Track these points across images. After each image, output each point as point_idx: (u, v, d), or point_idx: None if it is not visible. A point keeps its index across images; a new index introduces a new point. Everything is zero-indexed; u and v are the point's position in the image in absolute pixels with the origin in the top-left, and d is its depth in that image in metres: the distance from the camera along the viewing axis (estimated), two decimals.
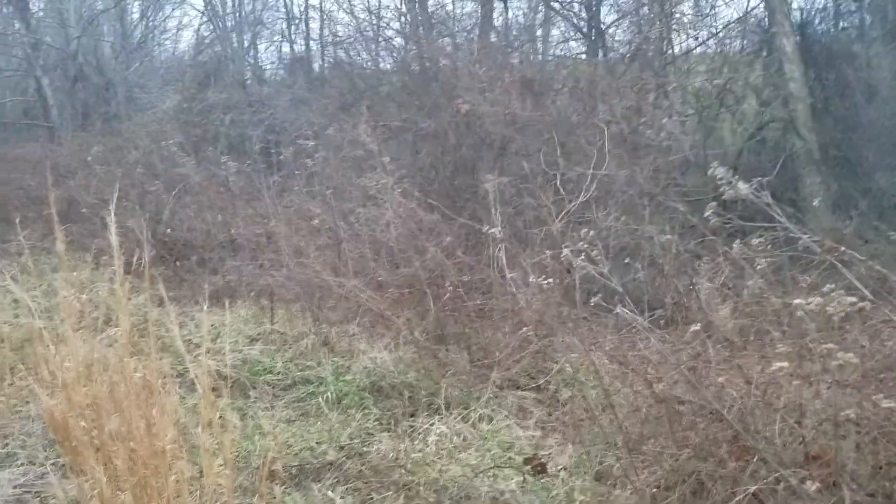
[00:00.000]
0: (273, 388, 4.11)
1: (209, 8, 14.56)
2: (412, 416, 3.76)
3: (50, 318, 3.33)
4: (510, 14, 11.42)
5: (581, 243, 4.93)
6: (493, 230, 4.54)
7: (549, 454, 3.33)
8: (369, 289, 4.41)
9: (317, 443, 3.41)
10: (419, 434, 3.53)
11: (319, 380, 4.11)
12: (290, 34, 14.34)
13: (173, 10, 17.67)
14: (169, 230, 6.52)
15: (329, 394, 3.90)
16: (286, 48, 14.70)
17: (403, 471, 3.12)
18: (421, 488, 2.95)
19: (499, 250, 4.65)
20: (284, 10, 14.50)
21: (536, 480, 3.08)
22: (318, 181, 6.02)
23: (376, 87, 8.04)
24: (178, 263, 6.23)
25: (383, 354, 4.14)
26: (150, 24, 17.89)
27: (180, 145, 7.47)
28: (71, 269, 3.37)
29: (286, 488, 2.87)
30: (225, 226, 6.28)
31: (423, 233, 4.49)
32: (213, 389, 2.20)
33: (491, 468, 3.12)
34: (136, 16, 17.74)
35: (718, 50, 9.99)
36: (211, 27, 14.94)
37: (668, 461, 2.70)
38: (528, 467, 3.16)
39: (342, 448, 3.38)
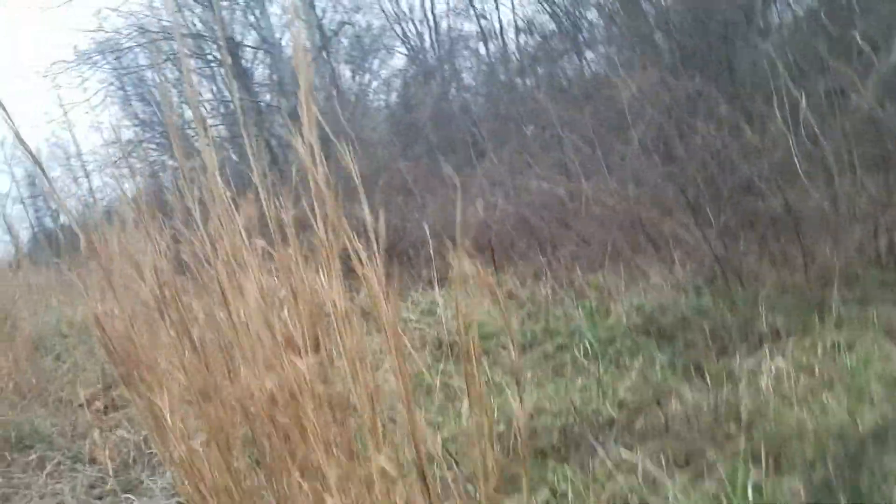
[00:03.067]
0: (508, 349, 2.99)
1: (412, 51, 14.04)
2: (721, 354, 2.43)
3: None
4: None
5: None
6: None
7: None
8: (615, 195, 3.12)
9: (582, 403, 2.22)
10: (741, 377, 2.19)
11: (571, 330, 2.93)
12: (486, 44, 13.41)
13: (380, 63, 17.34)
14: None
15: (586, 344, 2.70)
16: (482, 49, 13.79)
17: (732, 427, 1.82)
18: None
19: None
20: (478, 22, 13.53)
21: None
22: None
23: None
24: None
25: (657, 280, 2.83)
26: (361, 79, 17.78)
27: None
28: None
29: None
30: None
31: (680, 108, 3.10)
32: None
33: None
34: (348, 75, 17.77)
35: None
36: (415, 66, 14.36)
37: None
38: None
39: (621, 406, 2.16)
